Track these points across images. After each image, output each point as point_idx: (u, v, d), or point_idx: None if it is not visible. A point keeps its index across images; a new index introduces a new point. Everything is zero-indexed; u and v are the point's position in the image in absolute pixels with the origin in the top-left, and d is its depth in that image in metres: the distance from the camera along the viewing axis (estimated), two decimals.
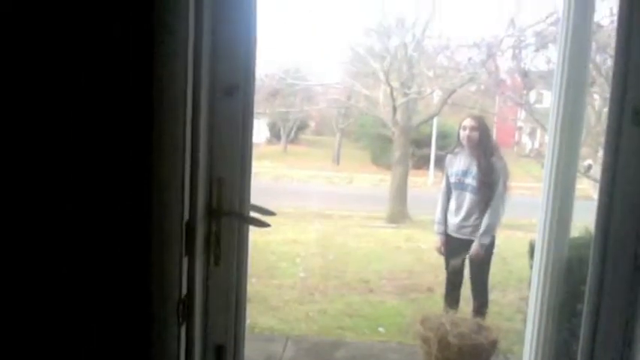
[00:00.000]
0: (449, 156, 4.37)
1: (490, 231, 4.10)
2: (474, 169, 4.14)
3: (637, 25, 1.36)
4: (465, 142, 4.18)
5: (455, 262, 4.21)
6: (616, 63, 1.35)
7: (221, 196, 1.42)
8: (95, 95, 1.28)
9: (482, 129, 4.18)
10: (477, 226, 4.12)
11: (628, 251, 1.33)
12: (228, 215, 1.43)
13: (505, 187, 4.16)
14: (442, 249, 4.30)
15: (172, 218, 1.30)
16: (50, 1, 1.26)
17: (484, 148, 4.14)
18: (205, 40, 1.34)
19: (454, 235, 4.22)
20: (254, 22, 1.41)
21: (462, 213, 4.18)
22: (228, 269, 1.45)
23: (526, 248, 3.51)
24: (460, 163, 4.23)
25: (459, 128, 4.27)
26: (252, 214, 1.50)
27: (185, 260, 1.34)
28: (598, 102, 8.05)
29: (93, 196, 1.30)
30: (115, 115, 1.28)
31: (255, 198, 1.51)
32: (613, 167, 1.37)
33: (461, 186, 4.19)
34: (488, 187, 4.09)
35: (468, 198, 4.16)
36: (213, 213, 1.42)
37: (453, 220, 4.23)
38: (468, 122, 4.21)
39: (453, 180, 4.25)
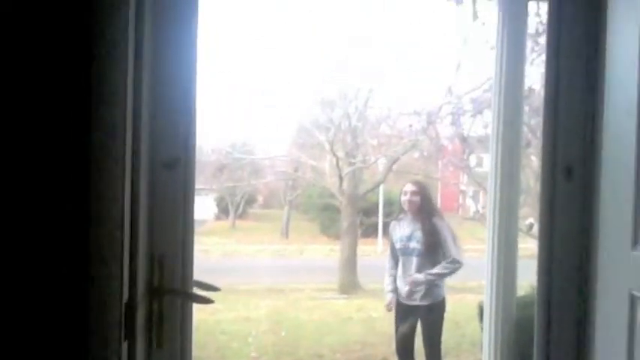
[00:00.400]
0: (393, 223, 4.47)
1: (435, 277, 4.12)
2: (419, 233, 4.20)
3: (563, 88, 1.43)
4: (406, 207, 4.27)
5: (404, 328, 4.18)
6: (545, 124, 1.41)
7: (163, 273, 1.37)
8: (32, 165, 1.23)
9: (422, 193, 4.31)
10: (427, 290, 4.12)
11: (572, 308, 1.35)
12: (170, 293, 1.38)
13: (455, 242, 4.21)
14: (391, 306, 4.29)
15: (111, 299, 1.24)
16: None
17: (426, 211, 4.24)
18: (144, 113, 1.33)
19: (404, 302, 4.21)
20: (193, 95, 1.41)
21: (411, 277, 4.19)
22: (172, 351, 1.39)
23: (477, 311, 3.52)
24: (404, 228, 4.30)
25: (400, 194, 4.39)
26: (196, 290, 1.45)
27: (125, 345, 1.27)
28: (535, 163, 8.37)
29: (26, 269, 1.23)
30: (53, 186, 1.24)
31: (205, 276, 1.47)
32: (550, 224, 1.40)
33: (407, 251, 4.23)
34: (434, 249, 4.14)
35: (415, 262, 4.19)
36: (155, 292, 1.37)
37: (403, 286, 4.20)
38: (409, 187, 4.34)
39: (398, 246, 4.29)
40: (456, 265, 4.14)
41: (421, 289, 4.15)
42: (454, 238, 4.24)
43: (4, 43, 1.23)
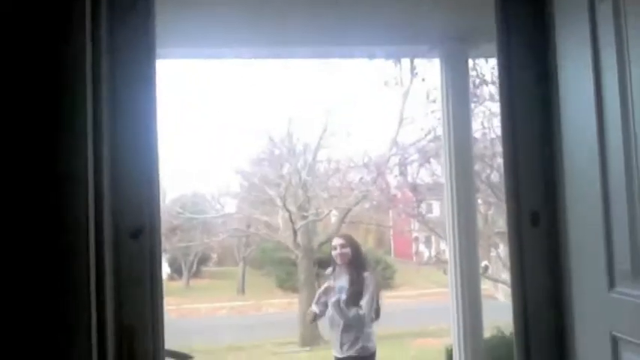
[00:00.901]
0: (326, 285, 4.45)
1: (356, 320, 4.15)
2: (346, 284, 4.25)
3: (520, 135, 1.48)
4: (339, 260, 4.34)
5: None
6: (506, 173, 1.46)
7: (133, 345, 1.33)
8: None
9: (352, 245, 4.39)
10: (357, 339, 4.14)
11: (551, 353, 1.37)
12: None
13: (374, 297, 4.27)
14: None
15: None
16: None
17: (356, 263, 4.32)
18: (106, 184, 1.32)
19: (341, 356, 4.22)
20: (156, 163, 1.41)
21: (340, 330, 4.20)
22: None
23: (443, 356, 3.52)
24: (338, 282, 4.33)
25: (331, 250, 4.45)
26: None
27: None
28: (483, 206, 8.59)
29: None
30: (20, 259, 1.20)
31: None
32: (520, 269, 1.43)
33: (337, 304, 4.23)
34: (356, 300, 4.19)
35: (343, 313, 4.21)
36: None
37: (336, 341, 4.24)
38: (338, 241, 4.43)
39: (333, 300, 4.28)
40: (360, 320, 4.19)
41: (349, 340, 4.16)
42: (375, 295, 4.31)
43: None
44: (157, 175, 1.42)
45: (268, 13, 2.85)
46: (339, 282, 4.32)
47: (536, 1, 1.49)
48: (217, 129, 13.68)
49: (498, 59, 1.47)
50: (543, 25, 1.47)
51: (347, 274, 4.28)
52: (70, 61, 1.25)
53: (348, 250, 4.33)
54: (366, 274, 4.31)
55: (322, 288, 4.47)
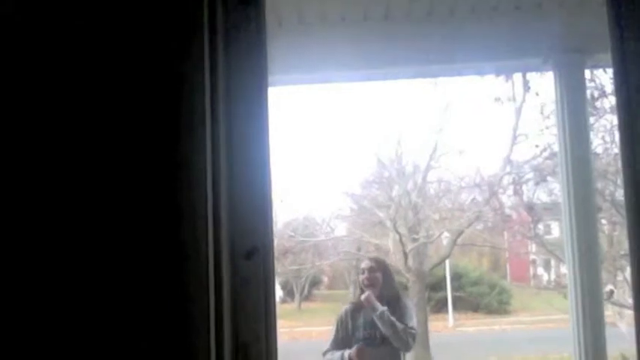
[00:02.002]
0: (346, 308, 3.99)
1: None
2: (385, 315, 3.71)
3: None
4: (366, 285, 3.86)
5: None
6: (626, 190, 1.38)
7: None
8: (123, 262, 1.28)
9: (382, 269, 3.94)
10: None
11: None
12: None
13: (408, 328, 3.73)
14: None
15: None
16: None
17: (387, 289, 3.86)
18: (223, 205, 1.38)
19: None
20: (269, 186, 1.46)
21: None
22: None
23: None
24: (366, 313, 3.83)
25: (358, 274, 4.06)
26: None
27: None
28: (607, 227, 8.07)
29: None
30: (142, 282, 1.28)
31: None
32: None
33: (374, 341, 3.76)
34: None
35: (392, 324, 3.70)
36: None
37: None
38: (366, 264, 3.98)
39: (362, 335, 3.82)
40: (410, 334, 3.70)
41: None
42: (409, 326, 3.75)
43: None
44: (270, 198, 1.47)
45: (376, 36, 2.89)
46: (367, 315, 3.81)
47: None
48: (327, 153, 13.89)
49: (614, 68, 1.40)
50: None
51: (382, 301, 3.79)
52: (189, 98, 1.33)
53: (378, 274, 3.87)
54: (405, 301, 3.89)
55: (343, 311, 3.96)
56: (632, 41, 1.42)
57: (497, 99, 9.15)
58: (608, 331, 3.17)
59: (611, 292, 7.54)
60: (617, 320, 7.40)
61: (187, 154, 1.32)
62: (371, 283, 3.84)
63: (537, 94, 8.32)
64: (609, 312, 7.39)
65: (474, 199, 10.50)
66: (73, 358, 1.27)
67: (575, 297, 2.89)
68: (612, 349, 3.02)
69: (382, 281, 3.85)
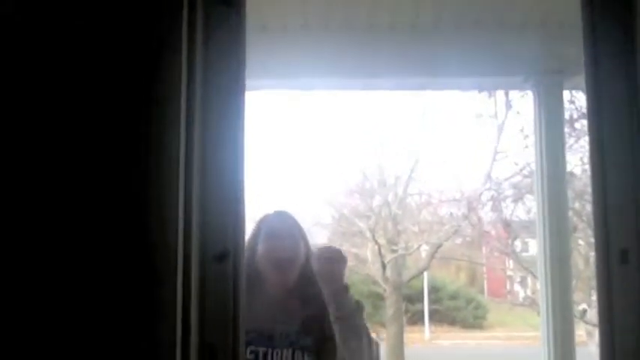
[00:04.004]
0: None
1: None
2: None
3: (610, 170, 1.42)
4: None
5: None
6: (595, 208, 1.40)
7: None
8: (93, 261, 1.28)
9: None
10: None
11: None
12: None
13: None
14: None
15: None
16: None
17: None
18: (195, 208, 1.38)
19: None
20: (242, 190, 1.46)
21: None
22: None
23: None
24: None
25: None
26: None
27: None
28: (583, 247, 8.15)
29: None
30: (111, 282, 1.27)
31: None
32: (609, 310, 1.36)
33: None
34: None
35: None
36: None
37: None
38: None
39: None
40: None
41: None
42: None
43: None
44: (243, 202, 1.47)
45: (358, 45, 2.91)
46: None
47: (626, 32, 1.44)
48: (311, 160, 13.90)
49: (587, 92, 1.42)
50: (634, 55, 1.42)
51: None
52: (165, 98, 1.33)
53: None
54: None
55: None
56: (606, 64, 1.45)
57: (480, 115, 9.24)
58: (579, 350, 3.20)
59: (584, 311, 7.62)
60: (587, 339, 7.47)
61: (161, 154, 1.32)
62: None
63: (518, 113, 8.43)
64: (581, 331, 7.46)
65: (452, 213, 10.56)
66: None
67: (547, 314, 2.92)
68: None
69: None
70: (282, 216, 2.38)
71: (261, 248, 2.24)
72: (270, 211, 2.41)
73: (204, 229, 1.41)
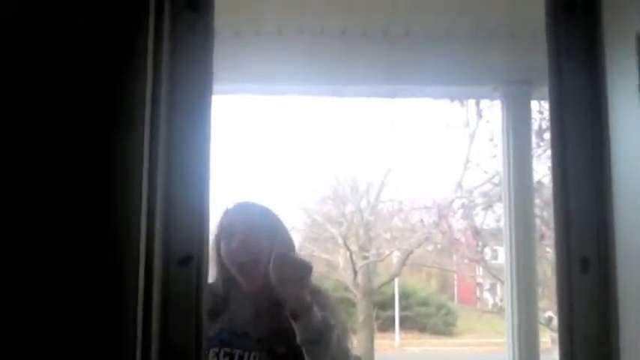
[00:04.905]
0: None
1: None
2: None
3: (571, 180, 1.45)
4: None
5: None
6: (556, 217, 1.42)
7: None
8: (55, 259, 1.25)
9: None
10: None
11: None
12: None
13: None
14: None
15: None
16: None
17: None
18: (158, 211, 1.36)
19: None
20: (207, 194, 1.45)
21: None
22: None
23: None
24: None
25: None
26: None
27: None
28: (551, 255, 8.29)
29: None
30: (69, 281, 1.25)
31: None
32: (569, 317, 1.38)
33: None
34: None
35: None
36: None
37: None
38: None
39: None
40: None
41: None
42: None
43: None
44: (208, 207, 1.46)
45: (331, 52, 2.92)
46: None
47: (590, 43, 1.47)
48: (283, 166, 13.89)
49: (550, 101, 1.45)
50: (597, 69, 1.45)
51: None
52: (128, 101, 1.31)
53: None
54: None
55: None
56: (569, 74, 1.48)
57: (449, 124, 9.35)
58: (544, 357, 3.24)
59: (550, 318, 7.72)
60: (552, 346, 7.59)
61: (124, 157, 1.30)
62: None
63: (488, 122, 8.54)
64: (546, 338, 7.57)
65: (422, 220, 10.65)
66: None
67: (512, 321, 2.95)
68: None
69: None
70: (242, 209, 2.13)
71: (222, 248, 2.05)
72: (231, 204, 2.14)
73: (167, 233, 1.39)
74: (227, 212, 2.11)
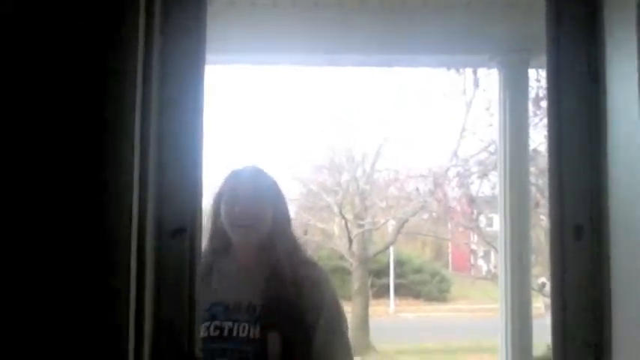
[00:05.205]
0: None
1: None
2: None
3: (567, 148, 1.44)
4: None
5: None
6: (551, 184, 1.42)
7: (170, 338, 1.36)
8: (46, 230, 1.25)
9: None
10: None
11: None
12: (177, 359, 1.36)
13: None
14: None
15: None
16: None
17: None
18: (151, 182, 1.35)
19: None
20: (200, 166, 1.43)
21: None
22: None
23: None
24: None
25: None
26: None
27: None
28: (545, 222, 8.35)
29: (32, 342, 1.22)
30: (62, 255, 1.24)
31: None
32: (561, 284, 1.39)
33: None
34: None
35: None
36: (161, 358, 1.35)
37: None
38: None
39: None
40: None
41: None
42: None
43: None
44: (201, 178, 1.44)
45: (327, 22, 2.88)
46: None
47: (588, 11, 1.45)
48: (279, 135, 13.84)
49: (547, 70, 1.43)
50: (596, 38, 1.44)
51: None
52: (121, 68, 1.29)
53: None
54: None
55: None
56: (567, 43, 1.46)
57: (445, 93, 9.30)
58: (536, 322, 3.28)
59: (544, 284, 7.81)
60: (545, 312, 7.69)
61: (117, 129, 1.28)
62: None
63: (485, 90, 8.51)
64: (539, 303, 7.67)
65: (418, 189, 10.67)
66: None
67: (505, 287, 2.98)
68: (538, 340, 3.13)
69: None
70: (249, 173, 2.08)
71: (222, 209, 1.99)
72: (240, 166, 2.10)
73: (160, 205, 1.39)
74: (232, 175, 2.06)
